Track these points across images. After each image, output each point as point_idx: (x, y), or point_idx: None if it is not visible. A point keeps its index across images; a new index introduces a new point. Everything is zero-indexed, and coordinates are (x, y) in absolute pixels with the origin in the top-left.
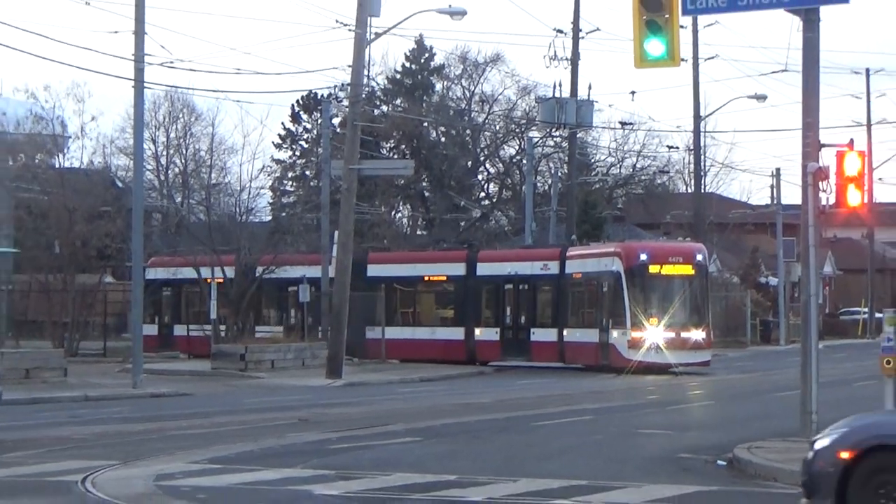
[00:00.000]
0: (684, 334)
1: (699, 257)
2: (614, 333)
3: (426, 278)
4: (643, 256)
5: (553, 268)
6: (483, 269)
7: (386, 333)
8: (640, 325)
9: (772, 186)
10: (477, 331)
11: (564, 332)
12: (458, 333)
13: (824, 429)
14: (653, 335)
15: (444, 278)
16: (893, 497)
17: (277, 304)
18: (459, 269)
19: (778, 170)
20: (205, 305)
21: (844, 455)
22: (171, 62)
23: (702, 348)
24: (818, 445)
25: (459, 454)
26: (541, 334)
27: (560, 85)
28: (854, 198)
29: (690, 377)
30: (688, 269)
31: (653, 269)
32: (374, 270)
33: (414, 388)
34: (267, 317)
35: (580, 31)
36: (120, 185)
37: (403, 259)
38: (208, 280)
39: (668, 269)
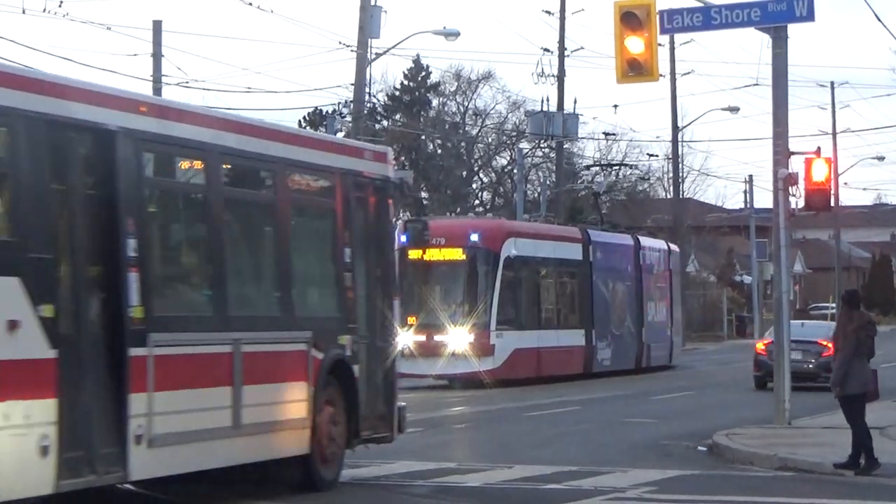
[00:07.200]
0: (438, 337)
1: (475, 238)
2: None
3: None
4: (403, 238)
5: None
6: None
7: None
8: (401, 325)
9: (745, 191)
10: None
11: None
12: None
13: (796, 416)
14: (404, 338)
15: None
16: None
17: None
18: None
19: (751, 176)
20: None
21: None
22: (187, 82)
23: (470, 356)
24: None
25: (457, 443)
26: None
27: (547, 100)
28: (821, 201)
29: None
30: (456, 254)
31: (413, 254)
32: None
33: None
34: None
35: (566, 49)
36: None
37: None
38: None
39: (430, 255)
